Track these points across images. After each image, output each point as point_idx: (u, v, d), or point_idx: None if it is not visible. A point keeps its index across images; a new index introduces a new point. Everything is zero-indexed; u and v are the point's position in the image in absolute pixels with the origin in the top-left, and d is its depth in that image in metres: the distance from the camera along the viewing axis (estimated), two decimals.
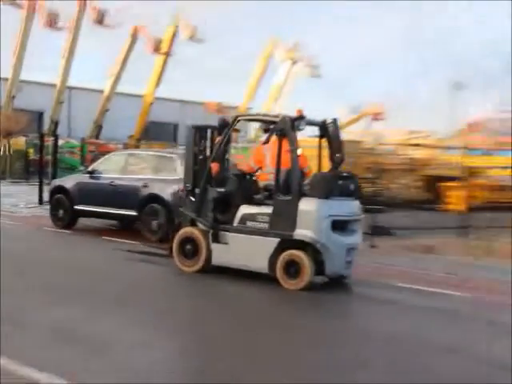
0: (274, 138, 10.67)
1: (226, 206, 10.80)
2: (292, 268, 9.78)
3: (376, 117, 56.74)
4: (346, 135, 40.34)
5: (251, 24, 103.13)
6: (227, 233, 10.50)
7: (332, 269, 9.94)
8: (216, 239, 10.55)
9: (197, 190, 11.07)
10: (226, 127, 10.97)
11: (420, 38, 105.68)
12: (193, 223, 11.10)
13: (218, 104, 57.24)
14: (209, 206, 10.74)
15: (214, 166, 10.92)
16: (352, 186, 10.45)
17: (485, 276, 12.45)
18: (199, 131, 11.61)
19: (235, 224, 10.44)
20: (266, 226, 10.08)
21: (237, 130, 11.91)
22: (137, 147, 28.96)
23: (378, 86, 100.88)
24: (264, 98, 57.73)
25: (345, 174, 10.64)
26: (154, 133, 49.91)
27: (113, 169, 16.26)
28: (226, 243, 10.49)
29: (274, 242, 9.97)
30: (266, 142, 11.17)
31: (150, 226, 14.92)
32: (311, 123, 10.77)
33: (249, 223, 10.27)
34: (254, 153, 11.73)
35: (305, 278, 9.68)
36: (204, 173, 10.93)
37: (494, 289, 11.29)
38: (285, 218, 9.88)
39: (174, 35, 50.27)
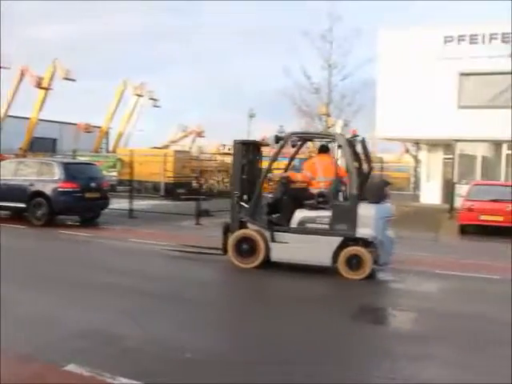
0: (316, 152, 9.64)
1: (276, 210, 9.27)
2: (353, 261, 8.50)
3: (199, 134, 56.72)
4: (178, 147, 40.46)
5: (112, 68, 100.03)
6: (286, 233, 8.90)
7: (384, 259, 8.78)
8: (273, 239, 8.96)
9: (245, 197, 9.35)
10: (278, 142, 9.30)
11: (230, 84, 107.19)
12: (241, 225, 9.30)
13: (86, 124, 55.05)
14: (263, 210, 9.14)
15: (293, 176, 9.63)
16: (388, 192, 9.55)
17: None
18: (245, 146, 9.69)
19: (293, 226, 8.86)
20: (326, 226, 8.64)
21: (267, 145, 10.09)
22: (24, 156, 27.22)
23: (200, 113, 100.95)
24: (119, 121, 56.25)
25: (387, 182, 9.52)
26: (38, 146, 47.11)
27: (7, 173, 15.11)
28: (285, 242, 8.88)
29: (337, 240, 8.56)
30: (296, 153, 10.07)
31: (36, 214, 14.18)
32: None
33: (308, 225, 8.75)
34: (308, 165, 9.71)
35: (367, 269, 8.46)
36: (258, 181, 9.30)
37: None
38: (346, 220, 8.52)
39: (53, 75, 47.67)
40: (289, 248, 8.87)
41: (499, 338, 5.80)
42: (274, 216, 9.23)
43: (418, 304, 7.33)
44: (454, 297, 8.04)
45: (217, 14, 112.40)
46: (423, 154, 26.34)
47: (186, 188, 26.14)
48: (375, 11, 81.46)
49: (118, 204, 17.00)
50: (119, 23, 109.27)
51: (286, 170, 9.93)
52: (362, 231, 8.51)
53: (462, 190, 18.54)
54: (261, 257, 9.00)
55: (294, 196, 9.23)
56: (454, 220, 16.65)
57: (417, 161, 27.46)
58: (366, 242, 8.56)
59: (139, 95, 54.60)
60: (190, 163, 27.75)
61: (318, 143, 9.85)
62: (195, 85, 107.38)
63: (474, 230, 15.28)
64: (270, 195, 9.62)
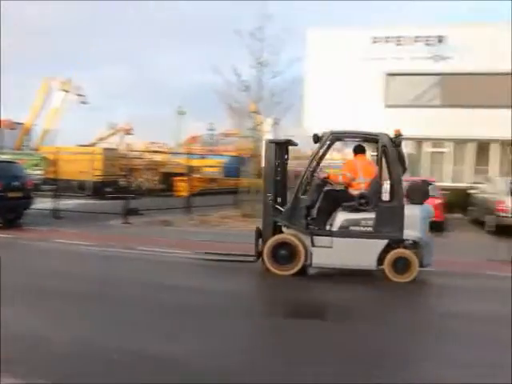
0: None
1: (310, 213, 8.75)
2: (400, 264, 8.27)
3: (127, 132, 55.79)
4: (106, 145, 39.61)
5: (42, 64, 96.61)
6: (327, 237, 8.47)
7: (427, 261, 8.55)
8: (314, 243, 8.52)
9: (278, 199, 9.00)
10: (318, 142, 8.73)
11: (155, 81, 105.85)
12: (275, 230, 8.86)
13: (9, 121, 53.04)
14: (302, 213, 8.63)
15: (335, 178, 8.99)
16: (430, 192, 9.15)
17: (202, 238, 12.56)
18: (278, 145, 9.16)
19: (335, 229, 8.48)
20: (370, 229, 8.36)
21: (295, 144, 9.58)
22: None
23: (129, 110, 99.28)
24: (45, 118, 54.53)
25: (429, 182, 9.20)
26: None
27: None
28: (327, 246, 8.46)
29: (382, 242, 8.33)
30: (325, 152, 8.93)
31: None
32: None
33: (352, 228, 8.41)
34: (348, 165, 9.16)
35: (414, 271, 8.27)
36: (300, 183, 8.69)
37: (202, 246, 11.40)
38: (392, 222, 8.29)
39: None
40: (331, 253, 8.47)
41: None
42: (308, 219, 8.77)
43: None
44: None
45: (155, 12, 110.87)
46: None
47: (114, 186, 25.67)
48: (309, 11, 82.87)
49: (42, 204, 16.44)
50: (51, 17, 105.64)
51: (314, 170, 8.87)
52: (409, 233, 8.34)
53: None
54: (300, 263, 8.55)
55: (333, 198, 8.82)
56: None
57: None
58: (411, 244, 8.40)
59: (66, 91, 53.16)
60: (119, 161, 27.25)
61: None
62: (126, 82, 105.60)
63: None
64: (303, 197, 8.93)
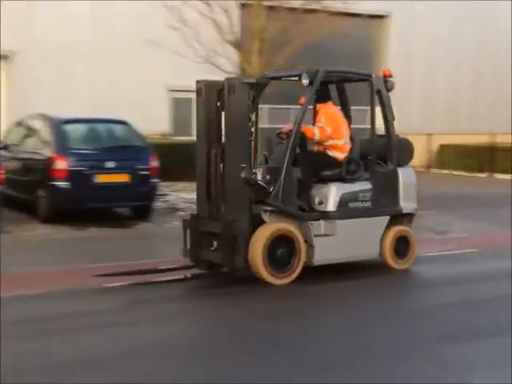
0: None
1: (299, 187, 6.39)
2: (400, 245, 6.76)
3: None
4: None
5: None
6: (329, 221, 6.39)
7: None
8: (315, 232, 6.37)
9: (259, 172, 6.20)
10: (312, 84, 6.33)
11: None
12: (252, 217, 6.15)
13: None
14: (294, 191, 6.27)
15: (308, 131, 6.56)
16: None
17: None
18: (256, 88, 6.58)
19: (332, 208, 6.39)
20: (369, 204, 6.59)
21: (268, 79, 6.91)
22: None
23: None
24: None
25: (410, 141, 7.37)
26: None
27: None
28: (332, 234, 6.40)
29: (384, 220, 6.68)
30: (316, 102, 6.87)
31: None
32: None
33: (351, 205, 6.49)
34: (330, 116, 6.73)
35: (414, 253, 6.87)
36: (292, 146, 6.24)
37: None
38: (389, 192, 6.73)
39: None
40: (335, 242, 6.43)
41: None
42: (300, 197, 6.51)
43: None
44: None
45: None
46: None
47: None
48: None
49: None
50: None
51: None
52: (408, 205, 6.85)
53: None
54: (301, 263, 6.27)
55: (312, 164, 6.64)
56: None
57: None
58: (408, 218, 6.96)
59: None
60: None
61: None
62: None
63: None
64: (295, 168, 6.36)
